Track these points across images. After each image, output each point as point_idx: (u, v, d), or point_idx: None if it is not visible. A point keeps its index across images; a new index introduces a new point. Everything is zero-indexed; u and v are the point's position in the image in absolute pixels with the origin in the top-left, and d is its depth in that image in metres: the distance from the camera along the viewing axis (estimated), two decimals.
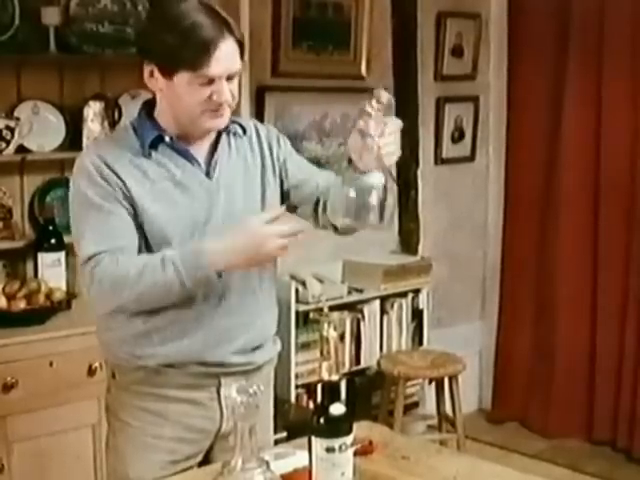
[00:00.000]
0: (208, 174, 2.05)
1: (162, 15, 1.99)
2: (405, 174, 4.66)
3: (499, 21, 4.91)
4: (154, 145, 2.01)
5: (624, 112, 4.44)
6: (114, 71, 3.57)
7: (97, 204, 1.96)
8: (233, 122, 2.10)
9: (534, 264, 4.87)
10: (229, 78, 1.95)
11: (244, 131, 2.13)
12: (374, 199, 1.89)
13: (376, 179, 1.89)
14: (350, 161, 1.97)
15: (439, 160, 4.84)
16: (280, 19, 4.00)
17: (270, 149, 2.17)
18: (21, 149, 3.32)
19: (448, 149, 4.87)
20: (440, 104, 4.78)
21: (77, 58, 3.45)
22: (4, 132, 3.24)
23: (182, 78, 1.92)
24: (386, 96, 1.88)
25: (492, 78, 4.98)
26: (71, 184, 2.05)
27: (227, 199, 2.06)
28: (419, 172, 4.70)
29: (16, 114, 3.33)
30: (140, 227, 1.99)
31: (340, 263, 4.31)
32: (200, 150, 2.07)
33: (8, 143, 3.25)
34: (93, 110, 3.41)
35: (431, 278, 4.52)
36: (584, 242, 4.62)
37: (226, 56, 1.92)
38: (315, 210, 2.19)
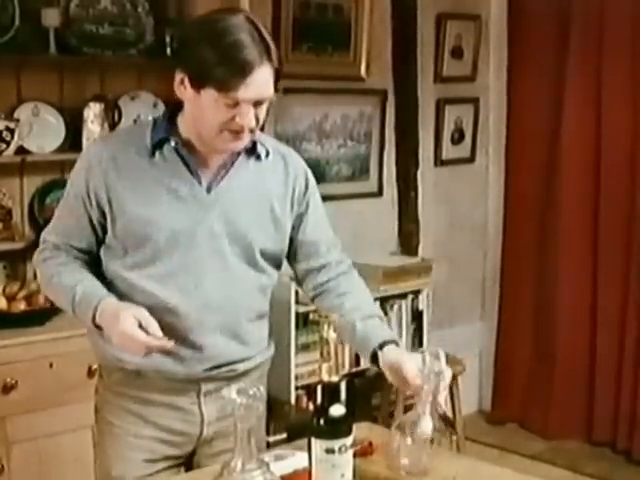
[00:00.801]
0: (210, 187, 2.01)
1: (207, 26, 1.91)
2: (405, 175, 4.67)
3: (499, 22, 4.91)
4: (160, 145, 1.99)
5: (624, 113, 4.44)
6: (114, 72, 3.57)
7: (70, 199, 2.06)
8: (260, 144, 2.06)
9: (534, 265, 4.87)
10: (258, 103, 1.90)
11: (267, 154, 2.08)
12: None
13: (427, 426, 1.85)
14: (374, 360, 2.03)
15: (439, 161, 4.85)
16: (280, 20, 4.00)
17: (294, 184, 2.12)
18: (21, 150, 3.32)
19: (448, 150, 4.87)
20: (440, 105, 4.79)
21: (77, 59, 3.45)
22: (4, 133, 3.24)
23: (209, 94, 1.87)
24: (443, 354, 1.87)
25: (492, 79, 4.98)
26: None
27: (224, 216, 2.00)
28: (419, 173, 4.71)
29: (16, 115, 3.33)
30: (114, 228, 1.99)
31: None
32: (211, 162, 2.02)
33: (8, 144, 3.25)
34: (93, 111, 3.41)
35: (431, 279, 4.51)
36: (584, 243, 4.62)
37: (258, 83, 1.86)
38: (302, 279, 2.20)
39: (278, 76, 1.92)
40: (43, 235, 2.13)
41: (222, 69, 1.83)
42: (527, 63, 4.81)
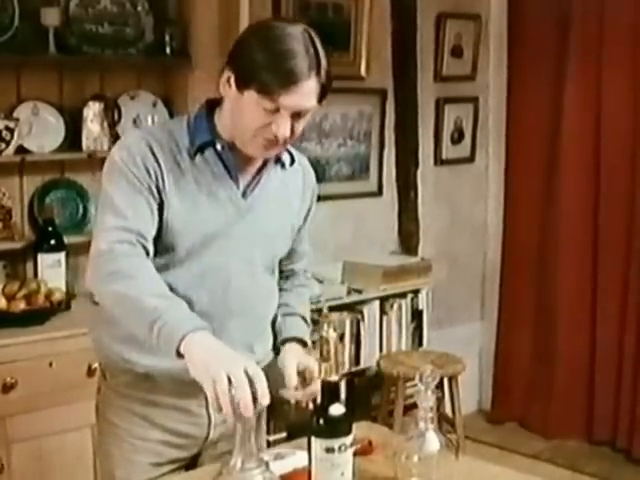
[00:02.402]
0: (245, 193, 2.01)
1: (264, 31, 1.91)
2: (405, 175, 4.67)
3: (499, 22, 4.91)
4: (202, 148, 1.97)
5: (624, 112, 4.44)
6: (113, 72, 3.57)
7: (131, 180, 1.91)
8: (286, 151, 2.06)
9: (534, 265, 4.88)
10: (296, 115, 1.89)
11: (292, 161, 2.09)
12: None
13: (434, 443, 1.82)
14: None
15: (439, 161, 4.85)
16: None
17: (310, 196, 2.16)
18: (21, 150, 3.32)
19: (448, 150, 4.87)
20: (440, 105, 4.79)
21: (77, 59, 3.44)
22: (4, 133, 3.23)
23: (251, 96, 1.86)
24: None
25: (492, 79, 4.98)
26: (109, 157, 1.98)
27: (257, 222, 2.01)
28: (419, 173, 4.71)
29: (16, 115, 3.33)
30: (160, 221, 1.94)
31: (340, 264, 4.32)
32: (248, 167, 2.02)
33: (8, 144, 3.25)
34: (93, 111, 3.41)
35: (431, 279, 4.52)
36: (584, 242, 4.62)
37: (301, 94, 1.85)
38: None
39: (324, 92, 1.90)
40: (112, 221, 1.88)
41: (268, 74, 1.83)
42: (527, 62, 4.81)
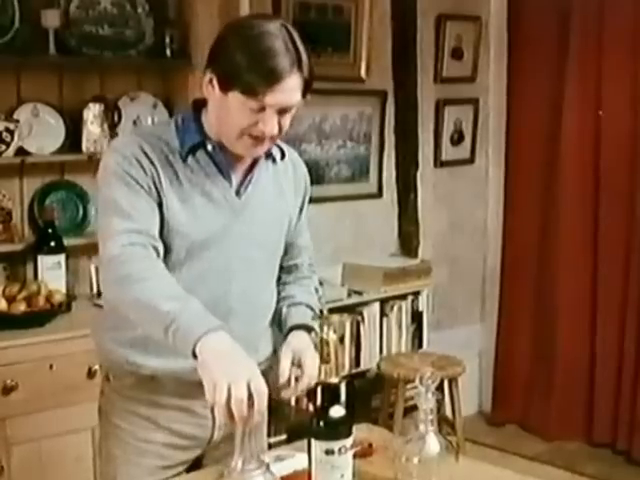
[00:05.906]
0: (238, 192, 2.00)
1: (243, 30, 1.91)
2: (404, 177, 4.67)
3: (499, 23, 4.91)
4: (193, 149, 1.97)
5: (624, 114, 4.44)
6: (113, 73, 3.57)
7: (129, 182, 1.90)
8: (276, 145, 2.05)
9: (534, 266, 4.87)
10: (282, 111, 1.89)
11: (282, 156, 2.09)
12: None
13: (435, 446, 1.82)
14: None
15: (439, 162, 4.84)
16: None
17: (303, 189, 2.16)
18: (21, 151, 3.32)
19: (448, 151, 4.87)
20: (440, 106, 4.78)
21: (77, 60, 3.45)
22: (4, 134, 3.23)
23: (236, 97, 1.86)
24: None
25: (492, 80, 4.98)
26: (102, 162, 1.98)
27: (253, 220, 2.01)
28: (419, 174, 4.71)
29: (16, 116, 3.33)
30: (161, 221, 1.93)
31: (340, 266, 4.31)
32: (239, 165, 2.01)
33: (8, 145, 3.25)
34: (93, 112, 3.42)
35: (431, 280, 4.52)
36: (584, 244, 4.62)
37: (285, 91, 1.85)
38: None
39: (307, 86, 1.91)
40: (121, 225, 1.86)
41: (251, 74, 1.83)
42: (527, 63, 4.81)
